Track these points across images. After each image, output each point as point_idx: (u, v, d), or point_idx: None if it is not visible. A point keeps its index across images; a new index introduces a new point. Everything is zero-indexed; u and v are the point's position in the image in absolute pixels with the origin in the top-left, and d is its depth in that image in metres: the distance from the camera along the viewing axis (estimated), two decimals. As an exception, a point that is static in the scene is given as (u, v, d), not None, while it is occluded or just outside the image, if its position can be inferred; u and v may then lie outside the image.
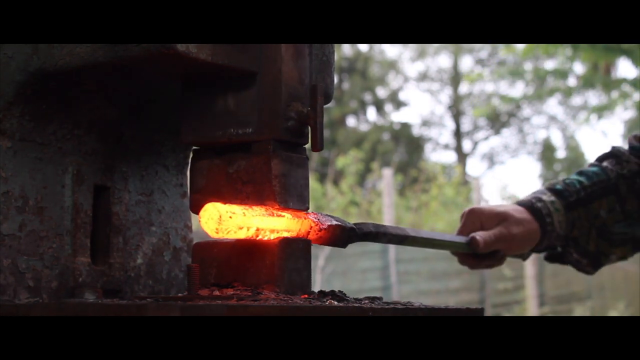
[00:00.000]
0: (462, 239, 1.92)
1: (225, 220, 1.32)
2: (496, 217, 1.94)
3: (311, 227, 1.43)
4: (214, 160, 1.42)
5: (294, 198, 1.39)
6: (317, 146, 1.36)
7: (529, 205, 1.98)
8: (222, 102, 1.40)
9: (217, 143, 1.41)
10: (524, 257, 2.12)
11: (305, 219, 1.42)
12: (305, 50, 1.42)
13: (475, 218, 1.95)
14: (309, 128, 1.38)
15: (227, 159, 1.40)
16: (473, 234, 1.91)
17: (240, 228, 1.34)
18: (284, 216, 1.39)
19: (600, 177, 2.01)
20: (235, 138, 1.39)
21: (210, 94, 1.41)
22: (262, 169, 1.37)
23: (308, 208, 1.42)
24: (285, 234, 1.39)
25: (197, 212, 1.42)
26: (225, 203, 1.35)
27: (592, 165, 2.05)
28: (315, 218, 1.44)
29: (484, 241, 1.90)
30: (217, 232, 1.33)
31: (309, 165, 1.48)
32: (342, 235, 1.48)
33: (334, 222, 1.47)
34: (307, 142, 1.41)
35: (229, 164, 1.40)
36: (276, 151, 1.37)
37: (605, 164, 2.03)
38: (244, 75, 1.37)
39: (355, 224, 1.53)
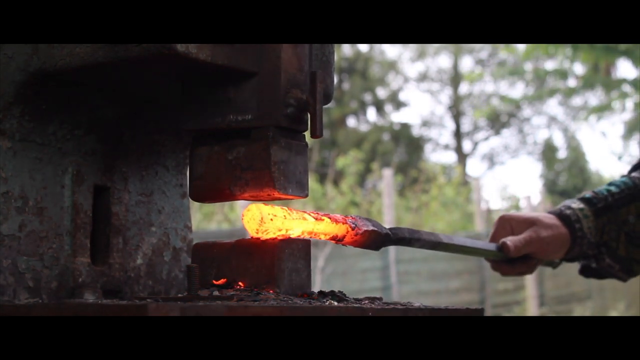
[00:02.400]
0: (493, 246, 1.97)
1: (266, 222, 1.37)
2: (526, 222, 1.98)
3: (348, 232, 1.47)
4: (213, 147, 1.41)
5: (293, 185, 1.39)
6: (317, 132, 1.37)
7: (558, 212, 2.02)
8: (222, 89, 1.40)
9: (216, 130, 1.41)
10: (554, 265, 2.14)
11: (343, 223, 1.45)
12: (305, 38, 1.42)
13: (506, 224, 2.00)
14: (309, 115, 1.38)
15: (227, 146, 1.40)
16: (503, 239, 1.96)
17: (280, 230, 1.38)
18: (323, 220, 1.43)
19: (628, 185, 2.05)
20: (235, 125, 1.39)
21: (210, 84, 1.41)
22: (261, 155, 1.37)
23: (307, 195, 1.43)
24: (323, 237, 1.43)
25: (196, 199, 1.44)
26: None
27: (622, 176, 2.10)
28: (353, 223, 1.48)
29: (514, 245, 1.94)
30: (257, 232, 1.38)
31: (309, 165, 1.48)
32: (376, 240, 1.52)
33: (371, 227, 1.51)
34: (307, 129, 1.41)
35: (229, 150, 1.40)
36: (275, 138, 1.37)
37: (634, 174, 2.08)
38: (243, 75, 1.37)
39: (390, 229, 1.57)
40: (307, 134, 1.42)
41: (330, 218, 1.45)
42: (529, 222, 1.98)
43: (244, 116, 1.38)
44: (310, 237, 1.43)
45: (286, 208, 1.42)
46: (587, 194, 2.06)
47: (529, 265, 2.02)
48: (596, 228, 2.01)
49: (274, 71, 1.37)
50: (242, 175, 1.38)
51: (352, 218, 1.49)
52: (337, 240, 1.47)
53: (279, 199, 1.40)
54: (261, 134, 1.37)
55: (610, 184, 2.07)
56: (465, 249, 1.88)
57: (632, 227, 2.01)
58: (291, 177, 1.39)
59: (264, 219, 1.37)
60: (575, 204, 2.03)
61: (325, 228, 1.44)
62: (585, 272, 2.08)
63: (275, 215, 1.38)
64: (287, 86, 1.37)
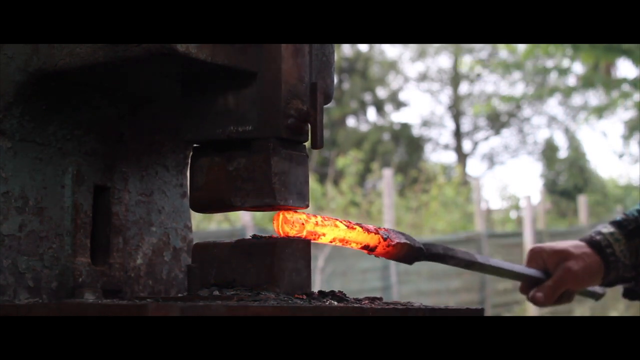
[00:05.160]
0: (531, 272, 1.98)
1: (297, 226, 1.40)
2: (557, 255, 1.99)
3: (380, 242, 1.49)
4: (214, 158, 1.42)
5: (293, 195, 1.40)
6: (317, 144, 1.37)
7: (588, 239, 2.04)
8: (222, 100, 1.40)
9: (217, 141, 1.41)
10: (597, 297, 2.14)
11: (375, 233, 1.48)
12: (305, 49, 1.42)
13: (537, 256, 2.01)
14: (309, 126, 1.38)
15: (227, 157, 1.40)
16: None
17: (312, 234, 1.41)
18: (355, 229, 1.46)
19: None
20: (235, 135, 1.39)
21: (210, 92, 1.41)
22: (262, 166, 1.37)
23: (308, 205, 1.43)
24: (354, 245, 1.46)
25: (197, 210, 1.44)
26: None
27: None
28: (385, 234, 1.50)
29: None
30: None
31: (309, 165, 1.48)
32: (409, 253, 1.53)
33: (403, 240, 1.53)
34: (307, 140, 1.41)
35: (229, 161, 1.40)
36: (276, 149, 1.37)
37: None
38: (243, 75, 1.37)
39: (424, 245, 1.58)
40: (307, 144, 1.42)
41: (362, 227, 1.47)
42: (560, 256, 1.99)
43: (245, 127, 1.38)
44: (342, 245, 1.45)
45: (318, 215, 1.46)
46: (618, 217, 2.07)
47: (564, 296, 2.03)
48: (629, 250, 2.01)
49: (275, 82, 1.37)
50: (243, 186, 1.38)
51: (385, 230, 1.51)
52: (369, 250, 1.49)
53: (280, 209, 1.41)
54: (262, 145, 1.37)
55: None
56: (501, 271, 1.90)
57: None
58: (292, 187, 1.39)
59: (294, 223, 1.38)
60: (606, 228, 2.04)
61: (357, 237, 1.46)
62: (629, 295, 2.07)
63: (307, 221, 1.40)
64: (288, 97, 1.37)
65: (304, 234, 1.40)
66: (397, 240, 1.51)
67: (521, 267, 1.99)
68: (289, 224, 1.39)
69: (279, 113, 1.36)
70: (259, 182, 1.37)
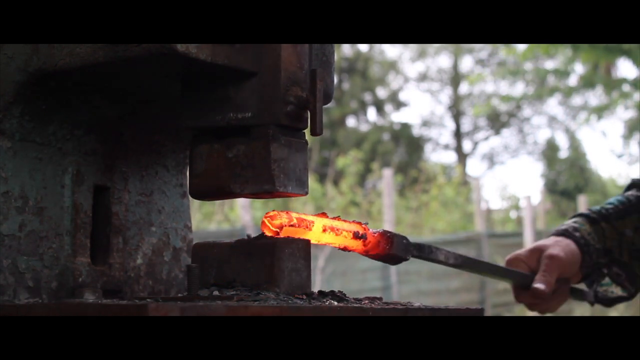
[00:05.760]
0: (521, 272, 2.00)
1: (283, 218, 1.40)
2: (533, 252, 2.03)
3: (366, 229, 1.50)
4: (213, 144, 1.41)
5: (292, 182, 1.40)
6: (317, 130, 1.37)
7: (554, 232, 2.08)
8: (222, 87, 1.40)
9: (216, 127, 1.40)
10: (590, 300, 2.15)
11: (357, 223, 1.50)
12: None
13: (517, 262, 2.04)
14: (309, 113, 1.38)
15: (227, 144, 1.40)
16: (533, 286, 1.97)
17: (303, 222, 1.42)
18: (336, 219, 1.47)
19: (621, 201, 2.11)
20: (235, 122, 1.38)
21: (210, 82, 1.41)
22: (261, 153, 1.37)
23: (307, 192, 1.44)
24: (345, 235, 1.47)
25: (196, 197, 1.45)
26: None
27: (616, 196, 2.17)
28: (365, 222, 1.53)
29: (545, 282, 1.97)
30: (279, 232, 1.41)
31: (309, 165, 1.48)
32: (397, 242, 1.55)
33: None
34: (307, 127, 1.41)
35: (229, 148, 1.40)
36: (275, 135, 1.37)
37: (628, 193, 2.15)
38: (243, 75, 1.37)
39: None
40: (307, 131, 1.42)
41: (340, 219, 1.49)
42: (537, 251, 2.02)
43: (244, 114, 1.38)
44: (335, 236, 1.46)
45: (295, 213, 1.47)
46: (581, 212, 2.12)
47: (562, 290, 2.05)
48: (596, 233, 2.06)
49: (274, 69, 1.36)
50: (242, 173, 1.38)
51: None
52: (362, 239, 1.49)
53: (279, 196, 1.41)
54: (261, 132, 1.37)
55: (605, 203, 2.14)
56: (491, 269, 1.94)
57: (631, 240, 2.06)
58: (291, 174, 1.39)
59: (280, 214, 1.39)
60: (570, 220, 2.10)
61: (342, 225, 1.47)
62: (597, 298, 2.10)
63: (290, 212, 1.41)
64: (287, 84, 1.37)
65: (294, 221, 1.40)
66: (380, 230, 1.54)
67: (510, 268, 2.01)
68: (276, 217, 1.39)
69: (279, 100, 1.36)
70: (258, 168, 1.37)
